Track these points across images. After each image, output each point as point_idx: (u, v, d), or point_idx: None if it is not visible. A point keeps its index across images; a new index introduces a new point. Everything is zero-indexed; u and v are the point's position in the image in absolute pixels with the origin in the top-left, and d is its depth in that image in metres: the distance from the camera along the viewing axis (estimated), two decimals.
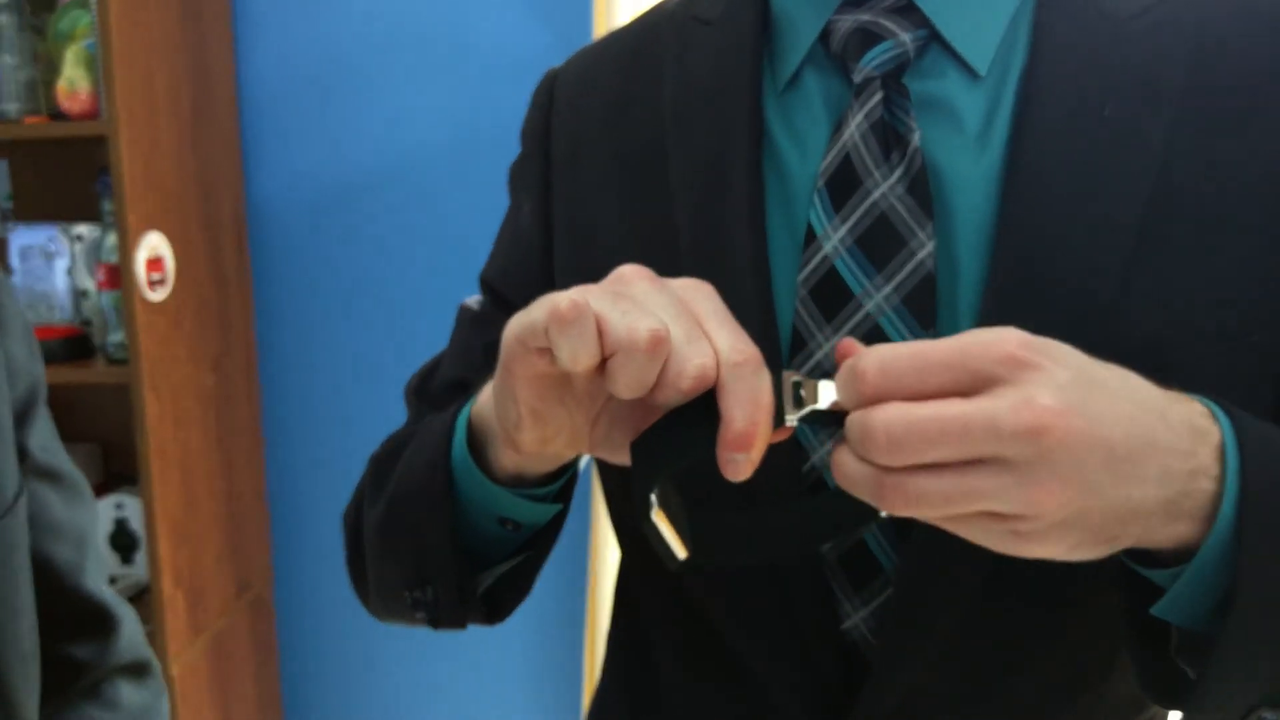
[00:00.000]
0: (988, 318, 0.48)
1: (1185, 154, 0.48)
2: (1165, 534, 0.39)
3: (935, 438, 0.35)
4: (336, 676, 1.94)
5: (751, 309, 0.52)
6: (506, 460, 0.51)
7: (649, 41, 0.62)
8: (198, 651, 1.64)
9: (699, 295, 0.41)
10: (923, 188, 0.50)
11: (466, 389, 0.63)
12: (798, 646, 0.54)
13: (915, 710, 0.53)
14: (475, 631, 1.96)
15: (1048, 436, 0.35)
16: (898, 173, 0.50)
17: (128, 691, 0.64)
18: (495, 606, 0.59)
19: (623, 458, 0.44)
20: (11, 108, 1.54)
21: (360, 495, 0.63)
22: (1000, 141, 0.51)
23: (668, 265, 0.53)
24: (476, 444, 0.54)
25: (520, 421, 0.45)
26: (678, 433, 0.40)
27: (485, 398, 0.52)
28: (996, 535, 0.38)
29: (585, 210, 0.60)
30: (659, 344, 0.38)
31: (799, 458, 0.52)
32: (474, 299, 0.68)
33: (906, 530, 0.51)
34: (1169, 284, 0.48)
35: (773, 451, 0.40)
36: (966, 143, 0.51)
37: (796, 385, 0.40)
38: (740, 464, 0.38)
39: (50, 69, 1.56)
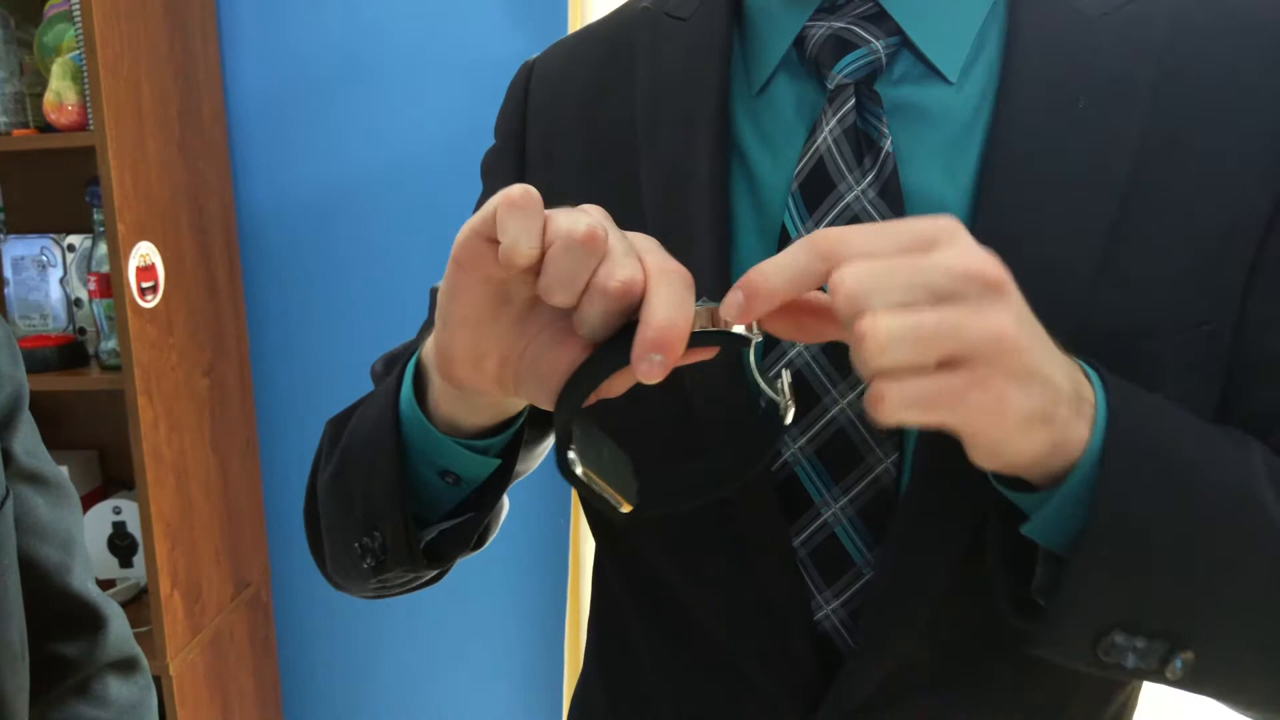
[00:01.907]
0: None
1: (1158, 148, 0.49)
2: (1057, 452, 0.42)
3: (904, 281, 0.38)
4: (334, 674, 1.96)
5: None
6: (444, 401, 0.51)
7: (623, 37, 0.62)
8: (196, 651, 1.66)
9: (644, 238, 0.43)
10: (894, 191, 0.51)
11: None
12: (773, 637, 0.55)
13: (891, 696, 0.54)
14: (466, 628, 1.99)
15: (1001, 285, 0.38)
16: (869, 177, 0.51)
17: (116, 687, 0.66)
18: (436, 556, 0.57)
19: (541, 399, 0.45)
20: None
21: (317, 460, 0.63)
22: (978, 143, 0.52)
23: None
24: (422, 391, 0.54)
25: (455, 335, 0.45)
26: (595, 361, 0.42)
27: (431, 339, 0.52)
28: (962, 405, 0.38)
29: (559, 206, 0.61)
30: (595, 239, 0.39)
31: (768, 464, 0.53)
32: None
33: (880, 524, 0.52)
34: (1139, 276, 0.49)
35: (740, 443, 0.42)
36: (939, 147, 0.52)
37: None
38: (655, 365, 0.38)
39: (37, 82, 1.58)
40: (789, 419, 0.44)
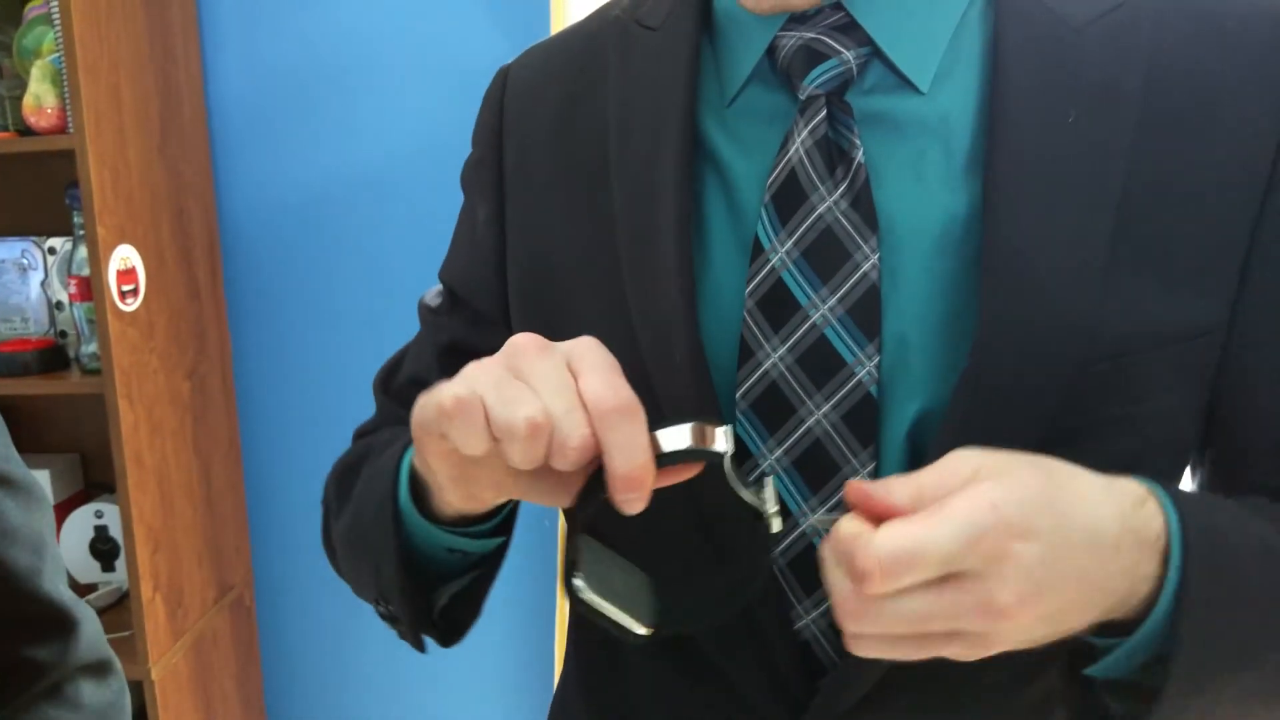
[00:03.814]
0: (977, 346, 0.49)
1: (1147, 159, 0.49)
2: (1119, 606, 0.44)
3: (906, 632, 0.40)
4: (318, 677, 1.96)
5: (679, 324, 0.53)
6: (446, 506, 0.53)
7: (594, 47, 0.62)
8: (179, 655, 1.66)
9: (582, 350, 0.43)
10: (866, 202, 0.51)
11: (421, 387, 0.64)
12: (757, 646, 0.55)
13: (877, 702, 0.54)
14: None
15: (1004, 620, 0.39)
16: (841, 187, 0.51)
17: (89, 691, 0.66)
18: (451, 625, 0.61)
19: (551, 500, 0.46)
20: None
21: (327, 511, 0.66)
22: (958, 158, 0.51)
23: (607, 275, 0.55)
24: (419, 486, 0.55)
25: (443, 486, 0.48)
26: (586, 492, 0.43)
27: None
28: (956, 652, 0.41)
29: (536, 223, 0.61)
30: (536, 430, 0.40)
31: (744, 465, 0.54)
32: (433, 293, 0.70)
33: None
34: (1136, 291, 0.49)
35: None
36: (909, 157, 0.52)
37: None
38: (633, 501, 0.41)
39: (17, 85, 1.57)
40: (776, 527, 0.45)
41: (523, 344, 0.44)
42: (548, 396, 0.41)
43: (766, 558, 0.45)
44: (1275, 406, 0.52)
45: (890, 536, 0.38)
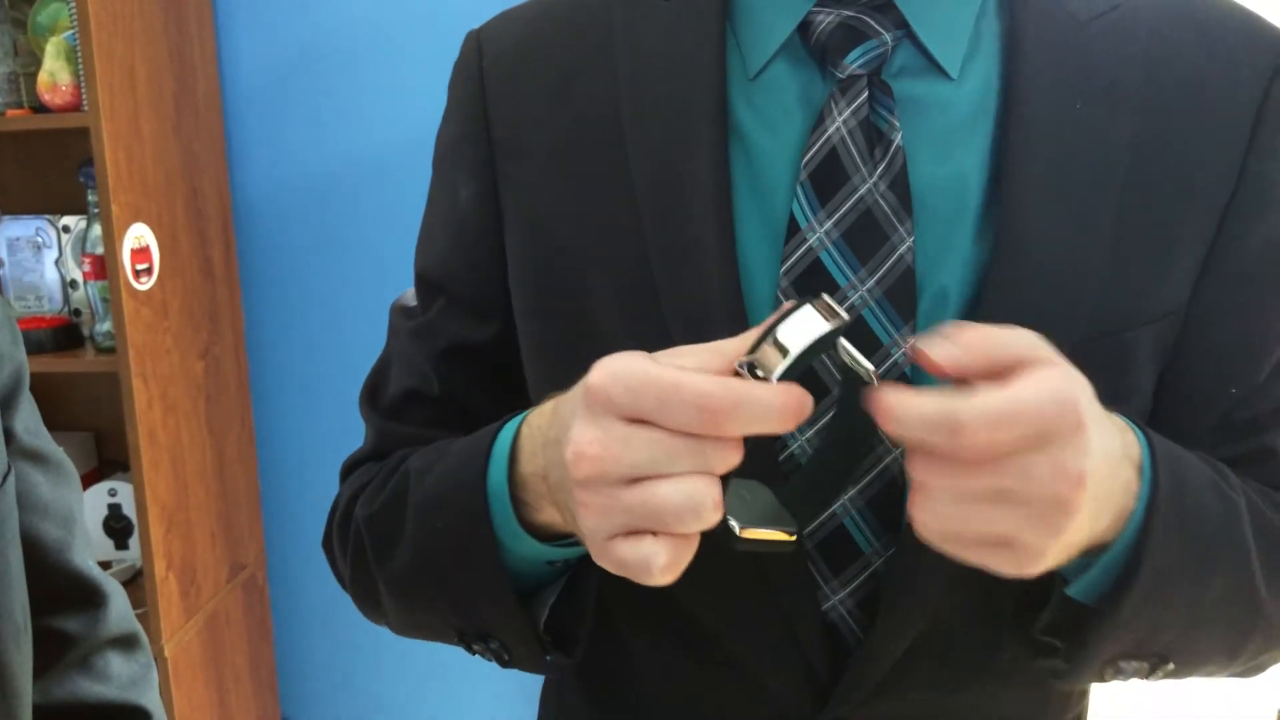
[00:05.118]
0: (984, 313, 0.50)
1: (1144, 151, 0.52)
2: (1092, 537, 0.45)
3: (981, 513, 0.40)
4: (330, 655, 1.97)
5: (718, 304, 0.52)
6: (550, 525, 0.51)
7: (592, 16, 0.59)
8: (192, 633, 1.67)
9: (635, 400, 0.40)
10: (903, 185, 0.51)
11: (421, 399, 0.63)
12: (781, 630, 0.55)
13: (901, 680, 0.55)
14: None
15: (1082, 484, 0.40)
16: (880, 169, 0.51)
17: (118, 663, 0.67)
18: (561, 637, 0.56)
19: None
20: None
21: (364, 534, 0.61)
22: (981, 142, 0.52)
23: (629, 254, 0.54)
24: (514, 502, 0.52)
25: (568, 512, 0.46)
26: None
27: (531, 471, 0.50)
28: (999, 561, 0.42)
29: (537, 198, 0.58)
30: (707, 510, 0.40)
31: (775, 450, 0.53)
32: (409, 294, 0.66)
33: (888, 514, 0.52)
34: (1133, 274, 0.52)
35: (750, 447, 0.42)
36: (938, 140, 0.52)
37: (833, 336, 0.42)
38: (804, 414, 0.40)
39: (31, 62, 1.57)
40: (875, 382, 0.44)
41: (591, 460, 0.41)
42: (681, 466, 0.40)
43: (871, 420, 0.43)
44: (1216, 388, 0.55)
45: (991, 395, 0.39)
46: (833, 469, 0.48)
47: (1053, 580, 0.50)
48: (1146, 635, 0.48)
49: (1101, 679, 0.51)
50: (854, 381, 0.44)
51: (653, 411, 0.39)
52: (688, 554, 0.41)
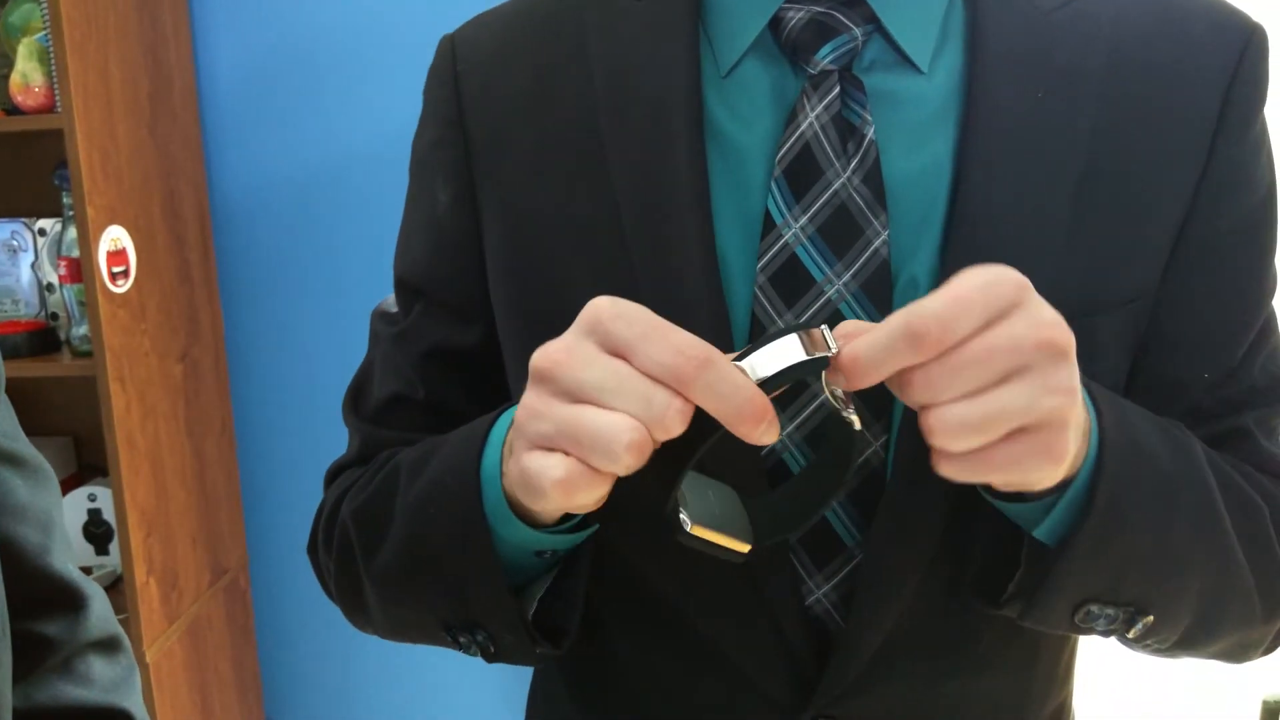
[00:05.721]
0: None
1: (1107, 138, 0.52)
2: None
3: (974, 375, 0.39)
4: (314, 660, 1.96)
5: (700, 297, 0.52)
6: (541, 514, 0.50)
7: (565, 16, 0.59)
8: (174, 639, 1.65)
9: (609, 324, 0.41)
10: (876, 179, 0.52)
11: (405, 403, 0.63)
12: (766, 624, 0.55)
13: (883, 670, 0.56)
14: None
15: (1067, 350, 0.40)
16: (853, 163, 0.52)
17: (99, 666, 0.66)
18: (550, 630, 0.56)
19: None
20: None
21: (351, 530, 0.60)
22: (948, 133, 0.53)
23: (609, 253, 0.54)
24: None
25: (548, 510, 0.47)
26: (695, 430, 0.42)
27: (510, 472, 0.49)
28: (1018, 467, 0.41)
29: (517, 199, 0.58)
30: (639, 446, 0.40)
31: (758, 457, 0.53)
32: (389, 300, 0.66)
33: (869, 506, 0.53)
34: (1093, 259, 0.52)
35: (732, 449, 0.42)
36: (908, 133, 0.53)
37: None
38: (764, 430, 0.39)
39: (3, 63, 1.55)
40: (858, 425, 0.44)
41: (551, 363, 0.42)
42: (622, 403, 0.40)
43: (853, 453, 0.44)
44: (1189, 372, 0.56)
45: (930, 295, 0.40)
46: (804, 499, 0.48)
47: (1018, 556, 0.51)
48: (1114, 576, 0.48)
49: (1075, 628, 0.50)
50: (835, 420, 0.44)
51: (633, 340, 0.40)
52: (589, 487, 0.41)
